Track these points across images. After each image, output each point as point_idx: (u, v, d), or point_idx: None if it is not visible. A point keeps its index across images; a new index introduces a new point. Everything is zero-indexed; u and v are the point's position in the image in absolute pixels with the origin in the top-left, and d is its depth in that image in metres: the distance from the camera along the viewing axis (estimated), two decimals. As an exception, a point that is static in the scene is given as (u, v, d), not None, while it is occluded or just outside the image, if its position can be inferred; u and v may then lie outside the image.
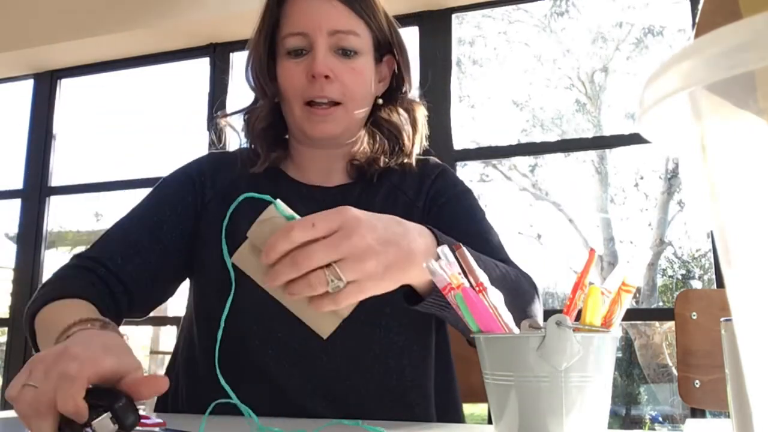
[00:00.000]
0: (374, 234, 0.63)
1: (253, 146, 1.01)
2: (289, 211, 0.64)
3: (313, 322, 0.67)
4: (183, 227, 0.97)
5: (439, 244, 0.68)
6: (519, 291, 0.82)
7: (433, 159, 1.07)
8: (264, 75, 0.96)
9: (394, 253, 0.64)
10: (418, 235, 0.68)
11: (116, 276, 0.90)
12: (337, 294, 0.61)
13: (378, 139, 1.00)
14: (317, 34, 0.91)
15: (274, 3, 0.96)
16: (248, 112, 1.01)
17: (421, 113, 1.03)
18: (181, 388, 0.96)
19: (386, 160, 0.99)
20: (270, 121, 0.99)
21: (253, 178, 0.98)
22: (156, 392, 0.60)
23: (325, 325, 0.67)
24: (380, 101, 1.01)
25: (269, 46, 0.96)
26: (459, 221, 0.96)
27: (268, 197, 0.63)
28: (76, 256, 0.92)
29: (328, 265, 0.60)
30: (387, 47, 1.00)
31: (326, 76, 0.90)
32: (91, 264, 0.90)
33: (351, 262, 0.61)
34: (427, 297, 0.72)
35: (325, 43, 0.91)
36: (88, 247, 0.94)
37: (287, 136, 1.03)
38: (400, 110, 1.03)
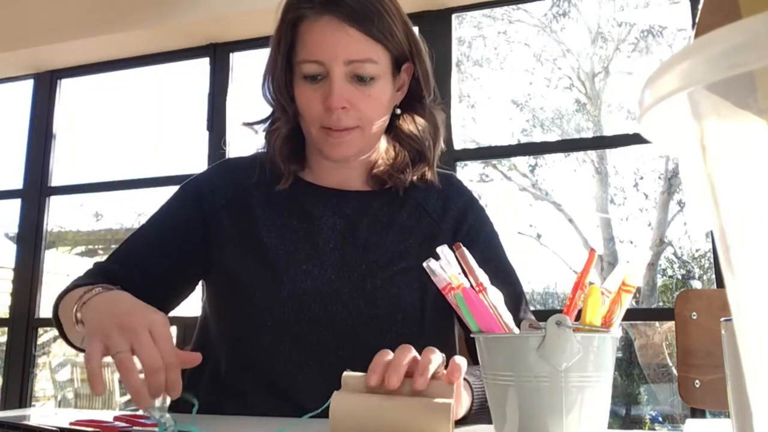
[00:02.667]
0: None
1: (271, 159, 1.01)
2: None
3: (427, 422, 0.69)
4: (188, 240, 1.00)
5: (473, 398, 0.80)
6: None
7: (454, 177, 1.06)
8: (284, 96, 0.96)
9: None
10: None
11: (129, 281, 0.92)
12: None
13: (399, 151, 1.00)
14: (333, 64, 0.90)
15: (287, 27, 0.94)
16: (269, 131, 1.01)
17: (441, 119, 1.03)
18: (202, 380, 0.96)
19: (409, 171, 0.99)
20: (289, 135, 0.99)
21: (268, 185, 1.00)
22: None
23: (436, 422, 0.69)
24: (398, 111, 1.01)
25: (286, 67, 0.96)
26: (488, 263, 0.95)
27: None
28: (93, 266, 0.98)
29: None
30: (405, 58, 0.99)
31: (343, 107, 0.91)
32: (103, 271, 0.96)
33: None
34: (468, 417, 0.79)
35: (341, 73, 0.90)
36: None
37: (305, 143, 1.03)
38: (420, 119, 1.02)
